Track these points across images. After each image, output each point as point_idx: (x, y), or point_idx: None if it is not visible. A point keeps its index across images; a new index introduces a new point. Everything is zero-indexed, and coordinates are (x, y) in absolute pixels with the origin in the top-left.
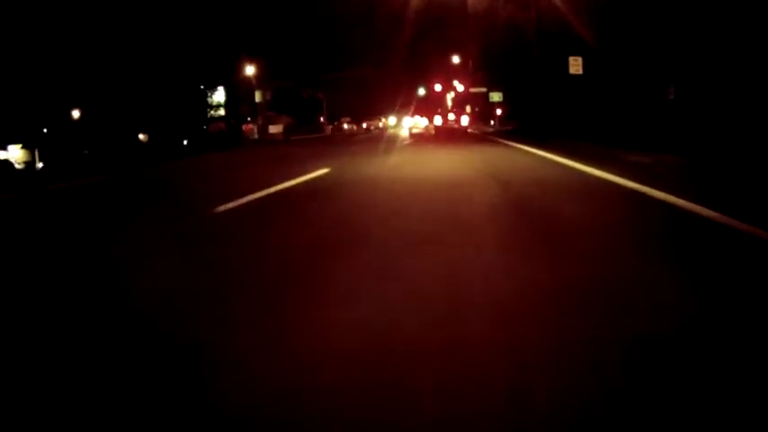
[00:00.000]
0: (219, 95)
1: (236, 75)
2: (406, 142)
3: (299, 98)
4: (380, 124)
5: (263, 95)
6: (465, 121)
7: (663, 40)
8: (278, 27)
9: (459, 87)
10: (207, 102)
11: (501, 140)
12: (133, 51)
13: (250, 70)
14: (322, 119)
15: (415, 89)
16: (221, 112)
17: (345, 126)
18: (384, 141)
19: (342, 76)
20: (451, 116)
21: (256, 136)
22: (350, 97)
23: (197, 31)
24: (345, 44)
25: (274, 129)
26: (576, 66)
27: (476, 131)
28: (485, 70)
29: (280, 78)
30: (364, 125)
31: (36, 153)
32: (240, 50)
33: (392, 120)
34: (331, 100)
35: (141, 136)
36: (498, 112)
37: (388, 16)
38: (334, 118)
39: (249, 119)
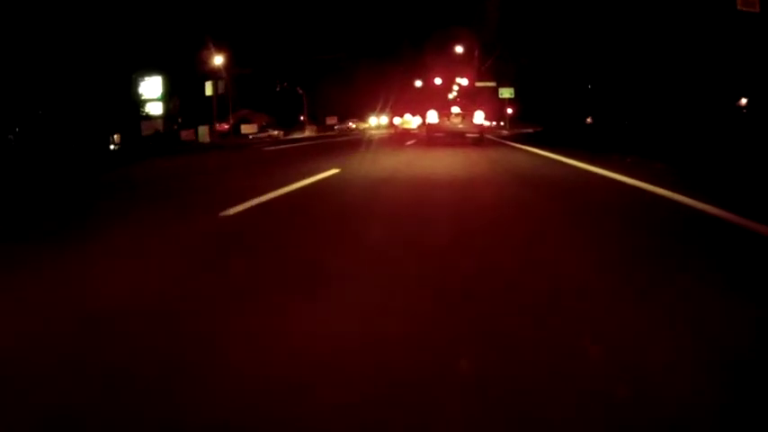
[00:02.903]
0: (153, 87)
1: (181, 60)
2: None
3: (273, 92)
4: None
5: (215, 87)
6: (479, 118)
7: None
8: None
9: (463, 82)
10: (139, 94)
11: (578, 164)
12: (51, 32)
13: (205, 56)
14: (302, 117)
15: (411, 84)
16: (156, 107)
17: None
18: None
19: (319, 62)
20: (456, 110)
21: (208, 139)
22: (335, 93)
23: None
24: (319, 26)
25: (248, 128)
26: None
27: (488, 135)
28: (494, 61)
29: (241, 66)
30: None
31: None
32: (187, 27)
33: (383, 119)
34: (312, 96)
35: (116, 136)
36: (508, 111)
37: None
38: (318, 117)
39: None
